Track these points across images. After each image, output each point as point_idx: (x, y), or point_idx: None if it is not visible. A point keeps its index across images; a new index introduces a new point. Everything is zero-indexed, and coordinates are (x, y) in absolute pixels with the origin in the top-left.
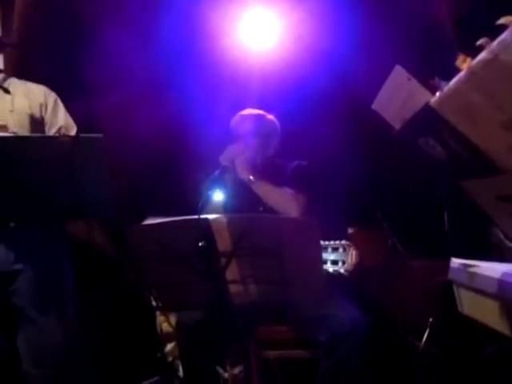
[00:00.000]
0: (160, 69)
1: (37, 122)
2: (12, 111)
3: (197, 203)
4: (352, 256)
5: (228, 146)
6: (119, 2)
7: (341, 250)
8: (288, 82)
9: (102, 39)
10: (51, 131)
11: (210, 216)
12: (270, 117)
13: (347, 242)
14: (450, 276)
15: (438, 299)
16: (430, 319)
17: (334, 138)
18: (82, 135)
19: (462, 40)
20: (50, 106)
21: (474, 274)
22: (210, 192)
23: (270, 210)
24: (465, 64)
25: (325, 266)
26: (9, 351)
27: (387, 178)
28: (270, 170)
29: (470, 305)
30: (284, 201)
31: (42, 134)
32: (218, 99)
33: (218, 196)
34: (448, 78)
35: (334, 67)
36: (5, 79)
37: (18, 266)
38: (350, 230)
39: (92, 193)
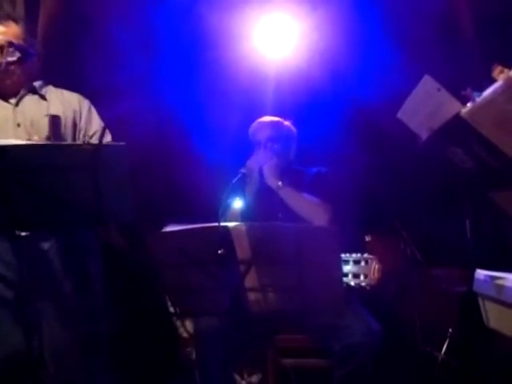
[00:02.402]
0: (172, 74)
1: (70, 128)
2: (47, 116)
3: (216, 211)
4: (375, 270)
5: (255, 152)
6: (126, 6)
7: (363, 263)
8: (303, 90)
9: (109, 44)
10: (86, 137)
11: (230, 224)
12: (287, 123)
13: (370, 256)
14: (475, 288)
15: (458, 309)
16: (450, 329)
17: (349, 145)
18: (104, 143)
19: (483, 42)
20: (84, 113)
21: (501, 287)
22: (229, 199)
23: (288, 217)
24: (502, 75)
25: (346, 279)
26: (38, 354)
27: (406, 186)
28: (289, 176)
29: (496, 318)
30: (312, 209)
31: (66, 142)
32: (233, 106)
33: (238, 203)
34: (470, 81)
35: (350, 75)
36: (42, 86)
37: (52, 266)
38: (368, 238)
39: (113, 199)
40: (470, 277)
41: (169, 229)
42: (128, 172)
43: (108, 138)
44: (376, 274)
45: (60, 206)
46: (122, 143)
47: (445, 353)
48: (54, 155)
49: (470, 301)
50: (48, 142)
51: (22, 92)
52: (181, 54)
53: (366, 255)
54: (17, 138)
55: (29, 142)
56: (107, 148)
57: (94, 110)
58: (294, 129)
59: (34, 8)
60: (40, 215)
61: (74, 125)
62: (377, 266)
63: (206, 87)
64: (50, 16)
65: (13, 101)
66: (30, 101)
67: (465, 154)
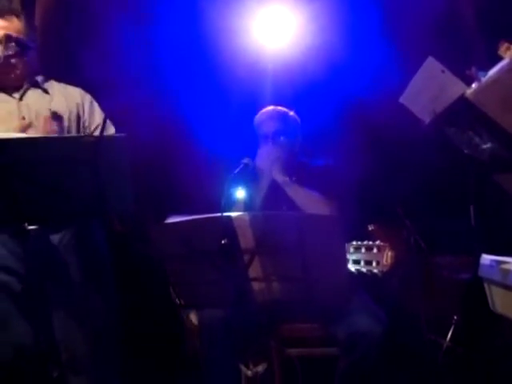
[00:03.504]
0: (171, 68)
1: (73, 121)
2: (50, 109)
3: (218, 201)
4: (387, 257)
5: (262, 146)
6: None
7: (375, 250)
8: (301, 82)
9: (108, 38)
10: (89, 130)
11: (233, 214)
12: (292, 113)
13: (382, 243)
14: (481, 273)
15: (463, 296)
16: (455, 317)
17: (348, 136)
18: (105, 135)
19: (483, 31)
20: (86, 107)
21: (507, 271)
22: (231, 190)
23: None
24: (509, 52)
25: (358, 266)
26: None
27: (408, 173)
28: (295, 168)
29: (503, 303)
30: (318, 208)
31: (67, 135)
32: (232, 98)
33: (240, 194)
34: (470, 65)
35: (348, 67)
36: (44, 81)
37: (62, 258)
38: (371, 227)
39: (115, 191)
40: (475, 264)
41: (171, 220)
42: (129, 164)
43: (111, 130)
44: (389, 260)
45: (61, 198)
46: (122, 135)
47: (450, 340)
48: (55, 148)
49: (475, 287)
50: (49, 135)
51: (25, 86)
52: (179, 48)
53: (378, 242)
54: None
55: (30, 135)
56: (108, 140)
57: (95, 104)
58: (298, 119)
59: (30, 3)
60: (41, 208)
61: (78, 118)
62: (390, 253)
63: (205, 80)
64: (46, 10)
65: (16, 95)
66: (33, 94)
67: (480, 140)
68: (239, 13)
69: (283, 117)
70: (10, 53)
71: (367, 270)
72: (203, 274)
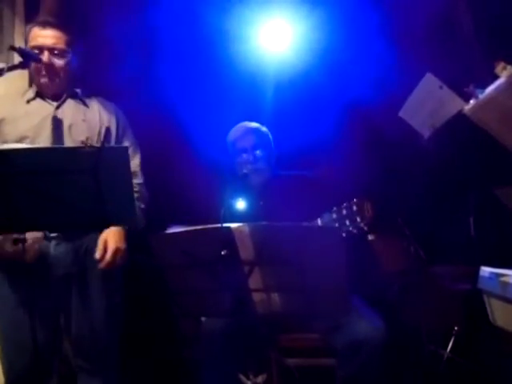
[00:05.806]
0: (171, 75)
1: (102, 134)
2: (84, 120)
3: (218, 211)
4: (368, 208)
5: (241, 159)
6: (126, 6)
7: (355, 207)
8: (302, 90)
9: (110, 42)
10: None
11: (232, 224)
12: (264, 128)
13: (357, 200)
14: (480, 285)
15: (463, 307)
16: (455, 327)
17: (349, 144)
18: (106, 145)
19: (481, 39)
20: (121, 123)
21: (506, 284)
22: (231, 200)
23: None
24: (505, 71)
25: (345, 227)
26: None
27: (409, 183)
28: (280, 182)
29: (502, 316)
30: None
31: (68, 146)
32: (232, 107)
33: (240, 204)
34: (469, 79)
35: (349, 74)
36: (83, 93)
37: (83, 264)
38: (371, 237)
39: (116, 202)
40: (474, 274)
41: (171, 230)
42: (130, 174)
43: (137, 158)
44: (370, 212)
45: (63, 208)
46: (123, 145)
47: (450, 351)
48: (56, 158)
49: (474, 298)
50: (50, 146)
51: (64, 96)
52: (179, 55)
53: (355, 200)
54: (53, 138)
55: (31, 146)
56: (109, 150)
57: (127, 123)
58: (269, 133)
59: (34, 8)
60: (43, 218)
61: (108, 132)
62: (369, 205)
63: (206, 88)
64: (50, 16)
65: (54, 103)
66: (70, 105)
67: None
68: (241, 20)
69: (258, 132)
70: (60, 62)
71: (354, 227)
72: (203, 284)
